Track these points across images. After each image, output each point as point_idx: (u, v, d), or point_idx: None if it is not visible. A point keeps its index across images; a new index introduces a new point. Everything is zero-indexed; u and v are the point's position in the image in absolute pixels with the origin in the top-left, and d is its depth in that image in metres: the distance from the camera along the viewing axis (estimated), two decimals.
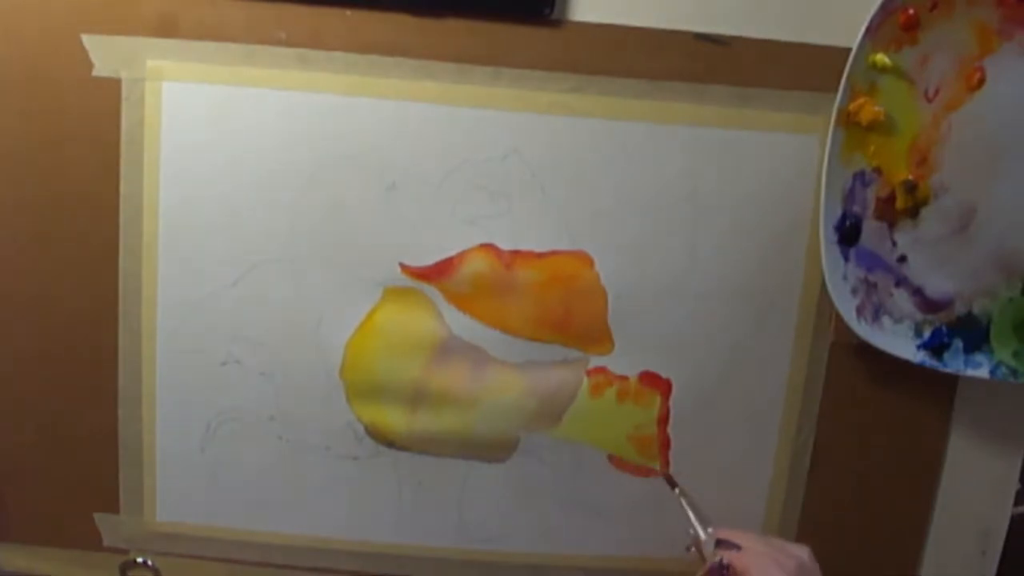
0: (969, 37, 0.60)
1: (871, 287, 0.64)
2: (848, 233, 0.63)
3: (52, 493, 0.68)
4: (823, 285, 0.63)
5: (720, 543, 0.59)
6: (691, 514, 0.62)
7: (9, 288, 0.65)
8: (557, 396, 0.65)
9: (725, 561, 0.58)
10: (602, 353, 0.65)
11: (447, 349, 0.65)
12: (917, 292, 0.64)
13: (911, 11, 0.59)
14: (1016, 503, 0.70)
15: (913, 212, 0.63)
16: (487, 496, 0.67)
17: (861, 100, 0.60)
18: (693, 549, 0.61)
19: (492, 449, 0.67)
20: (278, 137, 0.62)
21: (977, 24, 0.60)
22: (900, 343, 0.64)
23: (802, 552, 0.58)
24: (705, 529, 0.61)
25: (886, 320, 0.64)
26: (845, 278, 0.63)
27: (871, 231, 0.63)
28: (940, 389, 0.67)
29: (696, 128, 0.62)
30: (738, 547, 0.58)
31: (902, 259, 0.64)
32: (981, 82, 0.61)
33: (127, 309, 0.64)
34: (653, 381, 0.66)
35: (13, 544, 0.69)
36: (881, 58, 0.60)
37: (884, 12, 0.58)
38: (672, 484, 0.65)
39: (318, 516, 0.68)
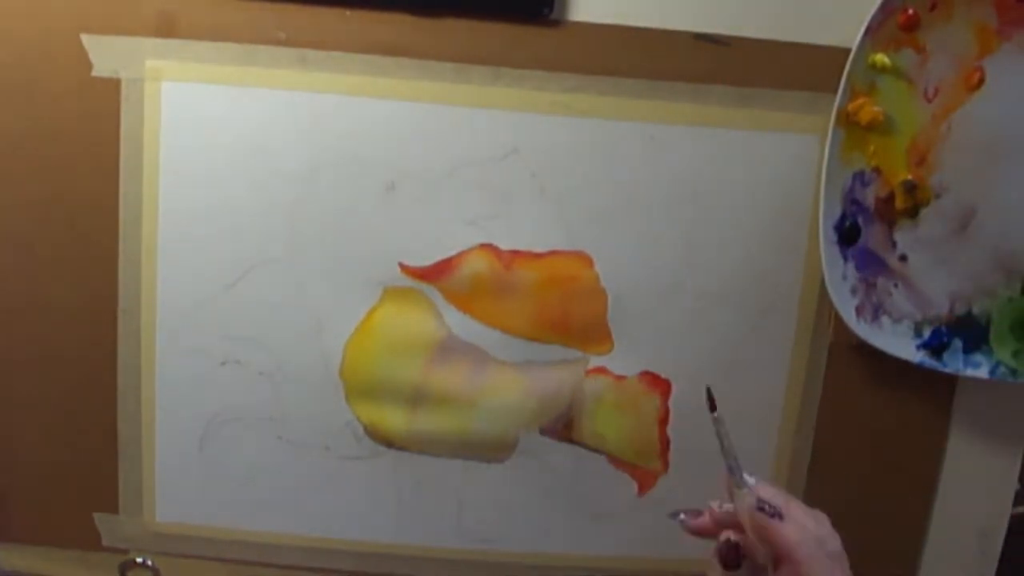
0: (969, 37, 0.60)
1: (870, 287, 0.64)
2: (848, 233, 0.63)
3: (52, 493, 0.68)
4: (823, 285, 0.63)
5: (761, 506, 0.46)
6: (727, 446, 0.49)
7: (8, 288, 0.65)
8: (557, 396, 0.65)
9: (734, 539, 0.47)
10: (602, 353, 0.65)
11: (447, 349, 0.65)
12: (917, 292, 0.64)
13: (911, 11, 0.59)
14: (1016, 503, 0.70)
15: (913, 212, 0.63)
16: (487, 496, 0.67)
17: (861, 100, 0.60)
18: (682, 517, 0.50)
19: (491, 449, 0.67)
20: (278, 137, 0.62)
21: (977, 24, 0.60)
22: (899, 343, 0.64)
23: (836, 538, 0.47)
24: (744, 478, 0.48)
25: (885, 320, 0.64)
26: (844, 278, 0.63)
27: (871, 231, 0.63)
28: (939, 389, 0.67)
29: (696, 128, 0.62)
30: (781, 516, 0.46)
31: (902, 259, 0.64)
32: (981, 82, 0.61)
33: (127, 309, 0.64)
34: (653, 381, 0.66)
35: (13, 544, 0.69)
36: (881, 58, 0.60)
37: (884, 12, 0.59)
38: (712, 405, 0.51)
39: (317, 516, 0.68)
